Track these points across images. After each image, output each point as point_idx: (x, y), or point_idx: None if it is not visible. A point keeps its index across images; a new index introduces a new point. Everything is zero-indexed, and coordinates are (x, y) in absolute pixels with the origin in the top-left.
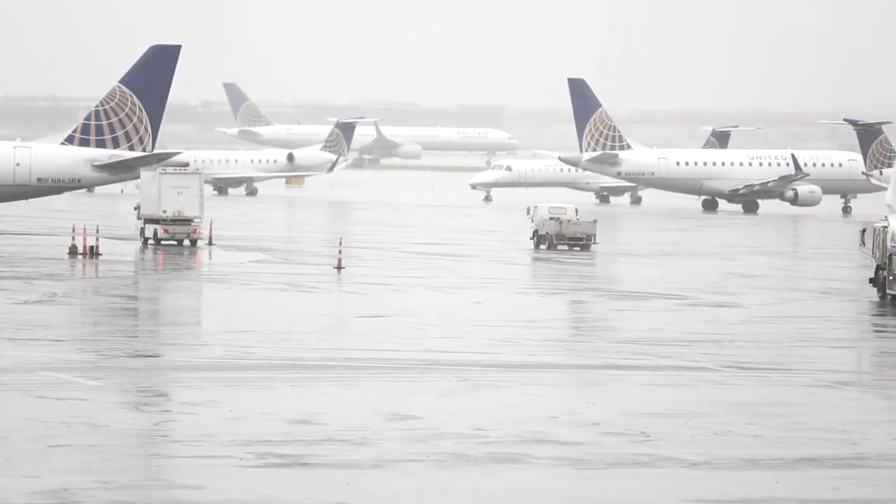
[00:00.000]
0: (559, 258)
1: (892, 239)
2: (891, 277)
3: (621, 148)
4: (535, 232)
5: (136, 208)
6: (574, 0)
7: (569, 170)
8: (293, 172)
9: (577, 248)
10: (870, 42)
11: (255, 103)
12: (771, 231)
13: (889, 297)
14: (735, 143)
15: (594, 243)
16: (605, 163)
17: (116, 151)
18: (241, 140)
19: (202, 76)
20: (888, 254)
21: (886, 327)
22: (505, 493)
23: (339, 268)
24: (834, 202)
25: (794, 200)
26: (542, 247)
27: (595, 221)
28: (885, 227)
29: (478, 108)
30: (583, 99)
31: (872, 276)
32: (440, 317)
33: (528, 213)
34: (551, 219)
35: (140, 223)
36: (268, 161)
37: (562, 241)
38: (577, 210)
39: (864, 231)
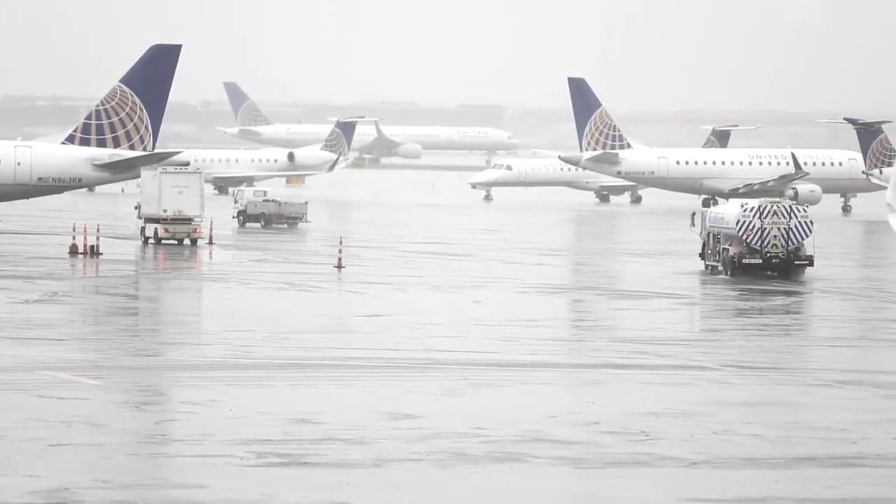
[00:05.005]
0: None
1: (711, 220)
2: (709, 251)
3: (621, 147)
4: (242, 212)
5: (136, 207)
6: (574, 0)
7: (569, 169)
8: (293, 172)
9: (286, 225)
10: (870, 42)
11: (255, 103)
12: None
13: (709, 267)
14: (735, 142)
15: (306, 221)
16: (605, 162)
17: (117, 151)
18: (242, 139)
19: (202, 76)
20: (708, 232)
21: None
22: (504, 493)
23: (339, 267)
24: (834, 201)
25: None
26: (257, 224)
27: (306, 203)
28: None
29: (478, 107)
30: (583, 98)
31: (700, 251)
32: (440, 316)
33: (232, 195)
34: (266, 201)
35: (140, 222)
36: (268, 160)
37: (280, 220)
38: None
39: (693, 214)
